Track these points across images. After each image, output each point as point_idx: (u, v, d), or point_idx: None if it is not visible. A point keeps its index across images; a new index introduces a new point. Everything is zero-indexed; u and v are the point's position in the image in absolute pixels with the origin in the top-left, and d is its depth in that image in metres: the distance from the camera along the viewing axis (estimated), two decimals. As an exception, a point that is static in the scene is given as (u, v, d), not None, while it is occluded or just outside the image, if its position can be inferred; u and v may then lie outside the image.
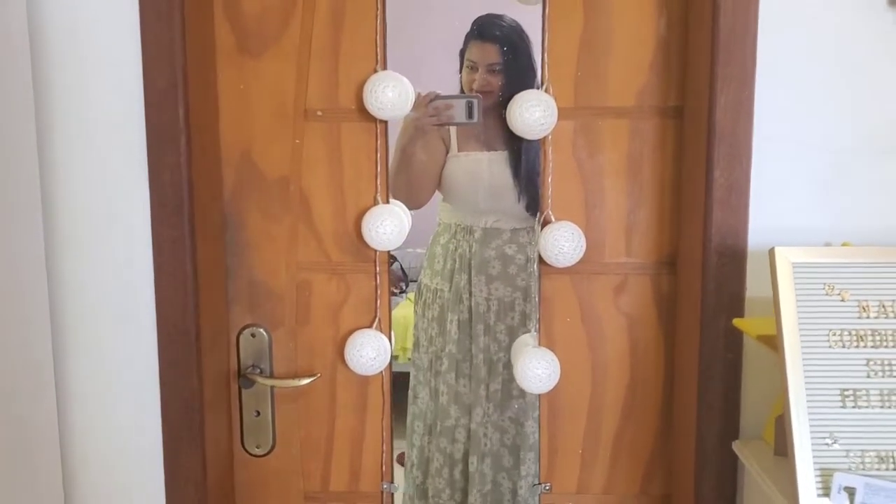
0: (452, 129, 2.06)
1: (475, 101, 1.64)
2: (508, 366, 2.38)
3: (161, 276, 1.39)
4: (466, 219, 2.13)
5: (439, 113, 1.68)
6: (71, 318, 1.44)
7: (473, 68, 2.00)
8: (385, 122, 1.50)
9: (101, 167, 1.40)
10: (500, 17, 2.09)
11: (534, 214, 2.33)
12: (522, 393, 2.34)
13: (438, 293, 2.19)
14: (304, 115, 1.50)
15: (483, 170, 2.26)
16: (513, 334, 2.36)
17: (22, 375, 1.33)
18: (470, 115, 1.64)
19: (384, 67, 1.48)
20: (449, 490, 2.28)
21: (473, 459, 2.39)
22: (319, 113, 1.50)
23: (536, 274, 1.54)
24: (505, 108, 1.46)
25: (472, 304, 2.30)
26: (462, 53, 2.08)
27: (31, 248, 1.35)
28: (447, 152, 2.08)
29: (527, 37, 2.05)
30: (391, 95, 1.43)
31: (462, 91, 2.01)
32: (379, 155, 1.51)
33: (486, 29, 2.07)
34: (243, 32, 1.48)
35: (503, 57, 1.99)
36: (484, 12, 2.08)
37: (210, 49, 1.47)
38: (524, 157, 2.27)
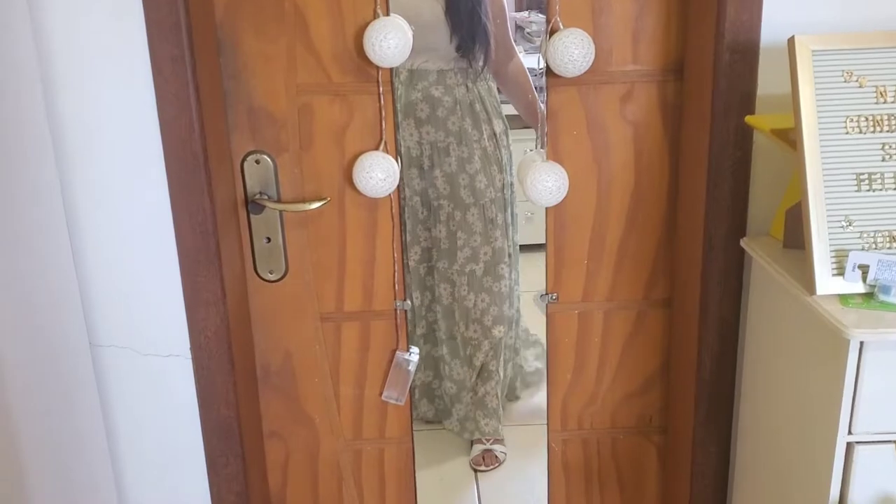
0: None
1: None
2: (452, 214, 2.37)
3: (163, 96, 1.34)
4: None
5: None
6: (72, 138, 1.39)
7: None
8: (382, -73, 1.43)
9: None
10: None
11: (464, 56, 2.24)
12: (468, 241, 2.37)
13: None
14: (296, -77, 1.42)
15: (416, 4, 2.14)
16: (451, 181, 2.32)
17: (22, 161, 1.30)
18: None
19: None
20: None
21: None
22: (312, -81, 1.41)
23: (544, 89, 1.52)
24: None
25: (403, 149, 2.24)
26: None
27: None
28: None
29: None
30: None
31: None
32: (377, -38, 1.44)
33: None
34: None
35: None
36: None
37: None
38: None
